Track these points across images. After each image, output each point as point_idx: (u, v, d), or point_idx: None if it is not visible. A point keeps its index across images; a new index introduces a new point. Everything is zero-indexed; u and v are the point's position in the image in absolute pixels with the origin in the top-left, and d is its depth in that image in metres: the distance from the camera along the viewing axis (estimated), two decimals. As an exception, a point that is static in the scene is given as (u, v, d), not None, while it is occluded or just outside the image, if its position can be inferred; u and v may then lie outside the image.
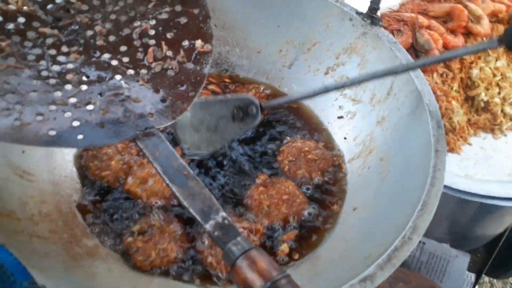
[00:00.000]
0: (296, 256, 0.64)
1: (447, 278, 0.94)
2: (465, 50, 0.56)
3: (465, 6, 1.01)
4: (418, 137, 0.65)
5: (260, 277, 0.39)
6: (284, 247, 0.65)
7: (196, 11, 0.64)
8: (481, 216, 1.00)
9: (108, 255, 0.63)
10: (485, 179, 0.88)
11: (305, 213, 0.69)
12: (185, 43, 0.63)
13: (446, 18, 1.01)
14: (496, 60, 1.02)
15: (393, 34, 0.98)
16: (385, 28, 0.99)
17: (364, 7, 0.80)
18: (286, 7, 0.85)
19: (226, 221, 0.45)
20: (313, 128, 0.83)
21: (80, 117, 0.53)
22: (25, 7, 0.58)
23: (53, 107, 0.52)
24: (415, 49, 0.96)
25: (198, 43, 0.63)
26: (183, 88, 0.61)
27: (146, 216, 0.66)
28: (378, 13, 0.80)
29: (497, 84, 1.00)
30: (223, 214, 0.45)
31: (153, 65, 0.62)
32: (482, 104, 0.98)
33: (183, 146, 0.71)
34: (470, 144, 0.96)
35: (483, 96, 0.98)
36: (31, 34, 0.57)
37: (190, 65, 0.63)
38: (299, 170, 0.74)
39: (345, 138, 0.80)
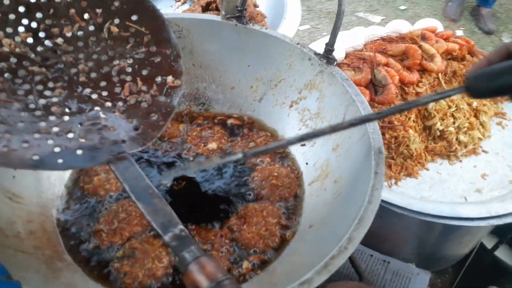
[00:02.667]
0: (258, 271, 0.72)
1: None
2: (431, 97, 0.62)
3: (419, 46, 1.11)
4: (363, 160, 0.73)
5: (207, 279, 0.46)
6: (246, 265, 0.72)
7: (168, 51, 0.73)
8: (443, 237, 1.06)
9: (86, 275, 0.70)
10: (438, 201, 0.96)
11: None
12: (158, 79, 0.72)
13: (402, 57, 1.12)
14: (451, 93, 1.12)
15: (354, 71, 1.09)
16: (348, 65, 1.10)
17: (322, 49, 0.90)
18: (256, 49, 0.96)
19: (183, 233, 0.51)
20: (282, 154, 0.92)
21: (61, 144, 0.60)
22: (17, 49, 0.65)
23: (37, 136, 0.59)
24: (374, 84, 1.06)
25: (169, 78, 0.72)
26: (155, 118, 0.69)
27: (128, 240, 0.73)
28: (341, 54, 0.90)
29: (452, 115, 1.09)
30: (181, 227, 0.52)
31: (128, 98, 0.69)
32: (438, 133, 1.07)
33: None
34: (427, 169, 1.04)
35: (439, 126, 1.07)
36: (21, 72, 0.64)
37: (161, 98, 0.71)
38: (272, 194, 0.82)
39: (306, 163, 0.89)
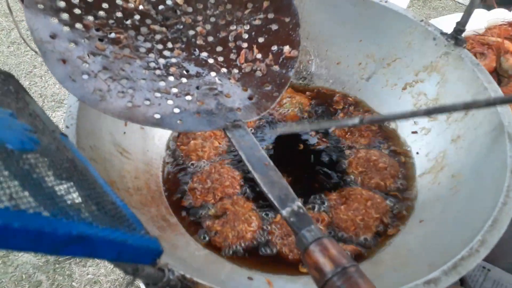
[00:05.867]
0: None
1: (510, 309, 0.90)
2: None
3: (557, 34, 0.98)
4: (493, 157, 0.65)
5: (331, 262, 0.42)
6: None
7: (287, 19, 0.70)
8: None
9: (186, 233, 0.71)
10: None
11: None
12: (274, 47, 0.69)
13: (534, 45, 0.99)
14: None
15: (476, 57, 0.98)
16: (469, 50, 0.99)
17: (449, 29, 0.81)
18: (371, 24, 0.89)
19: (301, 210, 0.48)
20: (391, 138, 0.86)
21: (180, 105, 0.61)
22: (141, 6, 0.66)
23: (158, 94, 0.60)
24: (498, 74, 0.95)
25: (286, 48, 0.69)
26: (269, 88, 0.67)
27: (220, 200, 0.73)
28: (463, 35, 0.80)
29: None
30: (299, 203, 0.49)
31: (243, 65, 0.68)
32: None
33: None
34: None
35: None
36: (143, 30, 0.65)
37: (276, 68, 0.69)
38: (372, 179, 0.77)
39: (417, 153, 0.82)
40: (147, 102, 0.59)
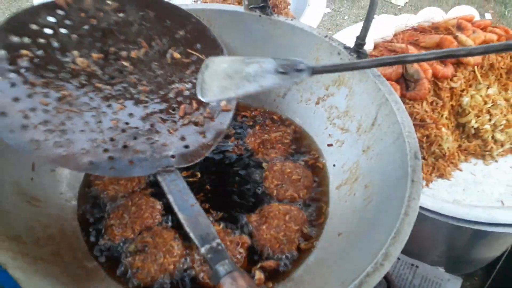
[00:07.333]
0: (270, 285, 0.67)
1: (440, 301, 0.95)
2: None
3: (455, 37, 1.04)
4: (398, 166, 0.68)
5: None
6: (259, 275, 0.68)
7: None
8: (475, 241, 1.01)
9: (106, 277, 0.68)
10: (473, 205, 0.91)
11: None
12: (212, 103, 0.77)
13: (436, 49, 1.05)
14: (488, 88, 1.05)
15: (384, 64, 1.02)
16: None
17: (352, 42, 0.84)
18: (280, 42, 0.91)
19: (219, 247, 0.54)
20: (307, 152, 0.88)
21: (115, 155, 0.65)
22: (88, 68, 0.73)
23: (94, 144, 0.65)
24: (405, 79, 1.00)
25: (223, 103, 0.77)
26: (205, 139, 0.73)
27: (140, 234, 0.71)
28: (369, 45, 0.84)
29: (488, 111, 1.02)
30: (218, 241, 0.55)
31: (183, 118, 0.75)
32: (473, 131, 1.01)
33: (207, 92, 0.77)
34: (460, 170, 0.99)
35: (474, 123, 1.00)
36: (89, 88, 0.71)
37: (213, 120, 0.76)
38: (287, 192, 0.78)
39: (334, 165, 0.84)
40: (83, 151, 0.63)
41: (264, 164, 0.84)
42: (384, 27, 1.15)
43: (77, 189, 0.80)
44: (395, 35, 1.12)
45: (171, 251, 0.69)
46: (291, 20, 0.90)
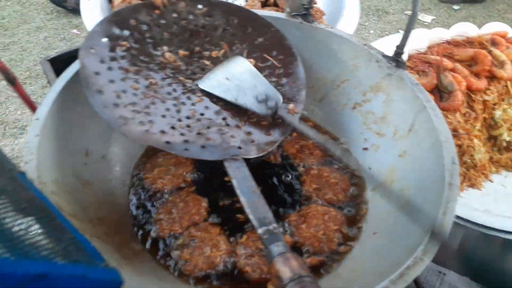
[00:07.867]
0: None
1: (465, 310, 0.96)
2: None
3: (489, 52, 1.07)
4: (434, 170, 0.71)
5: (290, 271, 0.49)
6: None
7: (294, 84, 0.85)
8: (505, 252, 1.02)
9: (152, 260, 0.72)
10: (504, 215, 0.92)
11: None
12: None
13: (470, 62, 1.08)
14: (520, 103, 1.07)
15: (418, 74, 1.05)
16: (412, 68, 1.07)
17: (391, 51, 0.88)
18: (320, 49, 0.94)
19: (275, 230, 0.57)
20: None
21: (190, 139, 0.71)
22: (174, 63, 0.81)
23: (173, 128, 0.72)
24: (439, 90, 1.03)
25: (291, 106, 0.82)
26: (271, 136, 0.78)
27: (187, 229, 0.75)
28: (404, 56, 0.87)
29: (520, 126, 1.04)
30: (275, 225, 0.59)
31: (252, 116, 0.80)
32: (505, 144, 1.03)
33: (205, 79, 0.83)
34: (491, 181, 1.00)
35: (506, 136, 1.02)
36: (173, 80, 0.79)
37: (279, 120, 0.80)
38: (326, 195, 0.81)
39: (369, 168, 0.87)
40: (162, 132, 0.70)
41: (301, 169, 0.87)
42: (417, 40, 1.18)
43: (127, 179, 0.84)
44: (429, 47, 1.15)
45: (217, 246, 0.72)
46: (331, 27, 0.94)
